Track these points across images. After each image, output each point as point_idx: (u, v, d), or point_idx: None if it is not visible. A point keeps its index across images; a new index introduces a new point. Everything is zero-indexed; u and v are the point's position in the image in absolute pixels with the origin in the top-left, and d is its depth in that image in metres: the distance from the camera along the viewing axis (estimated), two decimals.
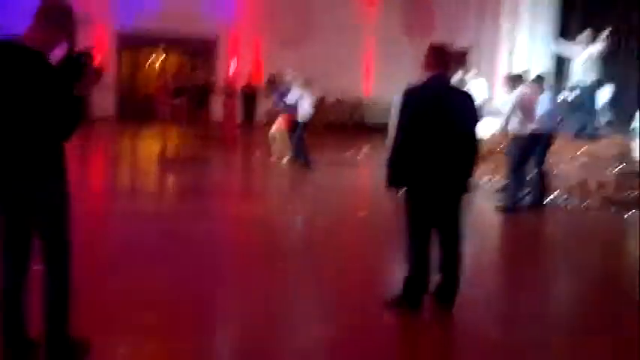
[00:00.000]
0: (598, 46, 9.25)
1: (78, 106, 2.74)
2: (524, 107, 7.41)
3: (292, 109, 10.20)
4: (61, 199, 2.81)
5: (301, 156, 10.04)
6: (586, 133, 9.44)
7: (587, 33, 9.62)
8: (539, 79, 8.16)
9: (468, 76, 10.00)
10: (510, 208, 7.45)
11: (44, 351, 2.88)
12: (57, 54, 2.73)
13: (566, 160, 9.23)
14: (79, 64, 2.74)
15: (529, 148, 7.50)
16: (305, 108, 10.11)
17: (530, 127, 7.43)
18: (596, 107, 9.67)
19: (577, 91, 9.61)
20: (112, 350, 3.18)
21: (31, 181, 2.71)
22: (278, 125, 10.40)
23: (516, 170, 7.52)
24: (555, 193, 8.51)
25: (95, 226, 5.35)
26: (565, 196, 8.48)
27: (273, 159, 10.36)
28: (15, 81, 2.59)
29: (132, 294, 3.99)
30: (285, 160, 10.21)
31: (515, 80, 7.78)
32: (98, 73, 2.86)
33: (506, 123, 7.59)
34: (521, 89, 7.57)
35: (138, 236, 5.49)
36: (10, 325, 2.85)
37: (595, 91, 9.36)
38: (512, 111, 7.45)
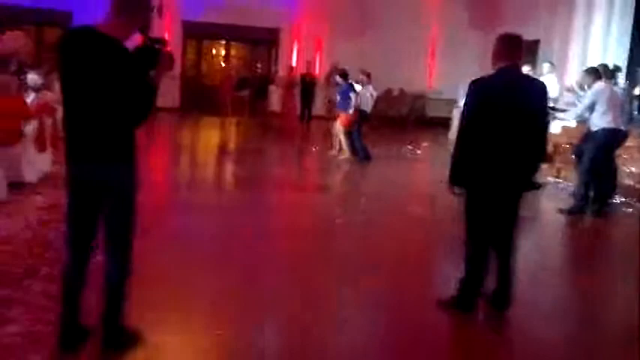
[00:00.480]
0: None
1: (152, 93, 2.80)
2: (608, 102, 6.95)
3: (351, 107, 10.16)
4: (131, 184, 2.88)
5: (360, 150, 10.00)
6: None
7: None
8: (616, 71, 7.75)
9: (540, 72, 9.64)
10: (575, 211, 7.09)
11: (100, 338, 2.95)
12: (132, 41, 2.80)
13: (637, 159, 8.76)
14: (154, 52, 2.80)
15: (607, 147, 7.10)
16: (366, 102, 10.08)
17: (609, 124, 6.98)
18: None
19: None
20: (163, 339, 3.24)
21: (105, 165, 2.79)
22: (339, 122, 10.37)
23: (589, 171, 7.10)
24: (624, 195, 8.12)
25: (153, 216, 5.47)
26: (635, 198, 8.07)
27: (332, 152, 10.34)
28: (94, 67, 2.66)
29: (186, 286, 4.07)
30: (344, 155, 10.18)
31: (594, 73, 7.37)
32: (172, 60, 2.92)
33: (581, 117, 7.19)
34: (600, 83, 7.14)
35: (196, 227, 5.58)
36: (67, 310, 2.94)
37: None
38: (590, 106, 7.04)
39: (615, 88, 7.39)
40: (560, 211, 7.19)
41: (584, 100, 7.28)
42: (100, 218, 2.87)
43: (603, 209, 7.32)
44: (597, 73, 7.33)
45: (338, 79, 10.64)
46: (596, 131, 7.06)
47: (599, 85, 7.12)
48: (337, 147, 10.28)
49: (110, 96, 2.69)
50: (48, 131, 7.66)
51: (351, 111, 9.99)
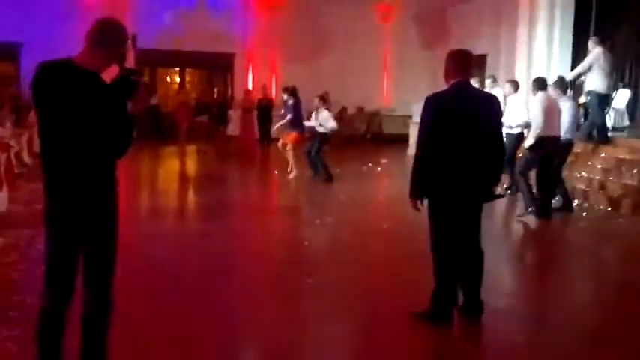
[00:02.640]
0: (599, 52, 9.17)
1: (132, 124, 2.78)
2: (547, 112, 7.29)
3: (300, 126, 10.30)
4: (114, 215, 2.83)
5: (320, 169, 10.06)
6: (594, 137, 9.34)
7: (592, 40, 9.56)
8: (562, 82, 8.06)
9: (485, 85, 9.93)
10: (531, 212, 7.32)
11: None
12: (107, 73, 2.77)
13: (586, 165, 9.11)
14: (131, 83, 2.78)
15: (546, 154, 7.37)
16: (328, 124, 10.13)
17: (551, 132, 7.30)
18: (603, 112, 9.56)
19: (588, 97, 9.54)
20: None
21: (88, 199, 2.73)
22: (286, 140, 10.46)
23: (525, 175, 7.42)
24: (578, 198, 8.42)
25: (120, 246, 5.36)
26: (585, 201, 8.38)
27: (291, 175, 10.37)
28: (73, 100, 2.63)
29: (160, 315, 4.01)
30: (292, 175, 10.24)
31: (539, 84, 7.63)
32: (149, 90, 2.90)
33: (536, 129, 7.38)
34: (543, 93, 7.46)
35: (163, 256, 5.51)
36: (46, 353, 2.81)
37: (603, 96, 9.29)
38: (538, 116, 7.30)
39: (554, 98, 7.67)
40: (519, 217, 7.42)
41: (534, 111, 7.53)
42: (81, 253, 2.80)
43: (562, 212, 7.61)
44: (543, 82, 7.64)
45: (284, 96, 10.66)
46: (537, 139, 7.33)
47: (543, 94, 7.42)
48: (290, 166, 10.36)
49: (90, 129, 2.66)
50: (2, 168, 7.45)
51: (301, 129, 10.17)
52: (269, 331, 3.89)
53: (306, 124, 10.42)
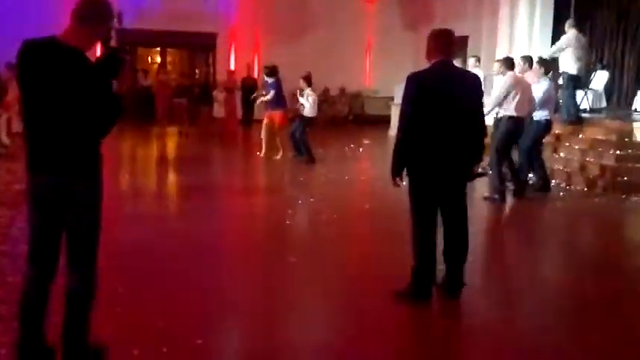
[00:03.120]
0: (572, 34, 9.30)
1: (117, 102, 2.76)
2: (514, 92, 7.28)
3: (283, 104, 10.34)
4: (97, 196, 2.81)
5: (304, 151, 10.07)
6: (568, 118, 9.47)
7: (568, 22, 9.66)
8: (543, 62, 8.09)
9: (468, 65, 9.98)
10: (495, 199, 7.30)
11: (62, 356, 2.84)
12: (92, 51, 2.76)
13: (565, 146, 9.24)
14: (116, 61, 2.75)
15: (513, 134, 7.39)
16: (310, 105, 10.10)
17: (518, 112, 7.30)
18: (574, 93, 9.68)
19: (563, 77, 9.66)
20: (126, 354, 3.18)
21: (70, 177, 2.72)
22: (273, 121, 10.46)
23: (502, 158, 7.42)
24: (555, 178, 8.55)
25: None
26: (564, 182, 8.52)
27: (260, 154, 10.43)
28: (58, 79, 2.61)
29: (143, 297, 4.02)
30: (278, 155, 10.30)
31: (506, 63, 7.66)
32: (133, 68, 2.89)
33: (497, 108, 7.47)
34: (511, 73, 7.49)
35: (146, 238, 5.50)
36: (28, 330, 2.82)
37: (574, 78, 9.40)
38: (504, 95, 7.32)
39: (525, 78, 7.69)
40: (485, 198, 7.42)
41: (497, 90, 7.58)
42: (64, 231, 2.79)
43: (541, 191, 7.69)
44: (511, 62, 7.67)
45: (265, 77, 10.60)
46: (501, 119, 7.42)
47: (509, 75, 7.46)
48: (265, 149, 10.41)
49: (74, 107, 2.64)
50: None
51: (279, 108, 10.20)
52: (252, 309, 3.92)
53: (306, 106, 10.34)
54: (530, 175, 8.08)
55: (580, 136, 9.27)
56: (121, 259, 4.64)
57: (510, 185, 7.68)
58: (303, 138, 10.09)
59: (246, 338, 3.60)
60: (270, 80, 10.41)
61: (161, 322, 3.59)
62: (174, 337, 3.40)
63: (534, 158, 7.92)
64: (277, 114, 10.36)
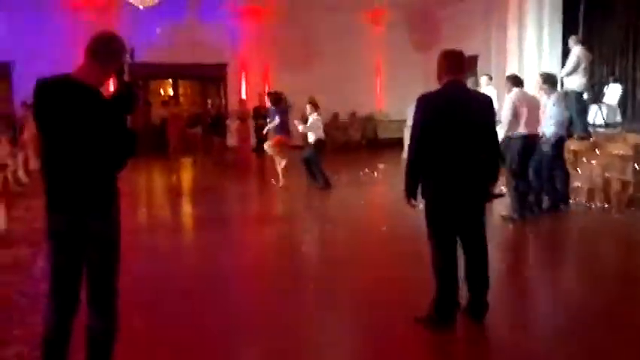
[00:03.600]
0: (579, 51, 9.30)
1: (132, 137, 2.80)
2: (520, 109, 7.20)
3: (283, 131, 10.41)
4: (115, 233, 2.83)
5: (319, 177, 10.00)
6: (576, 134, 9.41)
7: (571, 39, 9.65)
8: (549, 78, 8.05)
9: (481, 83, 10.00)
10: (514, 218, 7.21)
11: None
12: (105, 86, 2.81)
13: (582, 162, 9.14)
14: (130, 96, 2.79)
15: (525, 152, 7.27)
16: (318, 130, 10.09)
17: (527, 130, 7.20)
18: (581, 109, 9.62)
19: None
20: None
21: (90, 215, 2.73)
22: (270, 143, 10.56)
23: (517, 177, 7.30)
24: (575, 195, 8.45)
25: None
26: (582, 198, 8.42)
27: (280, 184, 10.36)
28: (73, 116, 2.64)
29: (162, 334, 4.01)
30: (281, 183, 10.25)
31: (512, 81, 7.55)
32: (147, 103, 2.93)
33: (503, 126, 7.35)
34: (517, 91, 7.39)
35: (160, 270, 5.51)
36: None
37: (578, 95, 9.36)
38: (512, 113, 7.22)
39: (531, 95, 7.65)
40: (503, 218, 7.32)
41: (505, 108, 7.44)
42: (84, 269, 2.79)
43: (559, 209, 7.60)
44: (516, 79, 7.58)
45: (269, 104, 10.70)
46: (512, 138, 7.26)
47: (514, 92, 7.36)
48: (279, 175, 10.36)
49: (91, 144, 2.67)
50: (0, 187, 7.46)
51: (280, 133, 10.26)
52: (268, 339, 3.88)
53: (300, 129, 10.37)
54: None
55: (597, 151, 9.17)
56: (141, 295, 4.63)
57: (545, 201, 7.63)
58: (316, 164, 10.04)
59: None
60: (273, 108, 10.54)
61: (179, 354, 3.56)
62: None
63: (547, 177, 7.82)
64: (275, 138, 10.53)
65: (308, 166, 10.14)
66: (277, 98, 10.49)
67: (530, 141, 7.30)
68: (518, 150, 7.23)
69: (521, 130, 7.20)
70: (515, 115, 7.22)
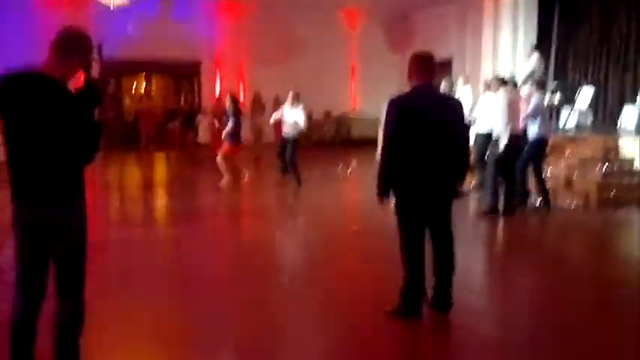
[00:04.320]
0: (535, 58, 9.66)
1: (98, 130, 2.82)
2: (512, 110, 7.45)
3: (236, 138, 9.94)
4: (82, 224, 2.86)
5: (292, 171, 9.93)
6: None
7: (531, 44, 10.01)
8: (534, 79, 8.24)
9: (458, 83, 10.21)
10: (488, 212, 7.49)
11: None
12: (74, 81, 2.81)
13: (553, 162, 9.36)
14: (97, 91, 2.81)
15: (509, 152, 7.50)
16: (299, 124, 9.93)
17: (512, 130, 7.44)
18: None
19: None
20: None
21: (55, 206, 2.75)
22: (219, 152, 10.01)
23: (498, 174, 7.56)
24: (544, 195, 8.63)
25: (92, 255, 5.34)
26: (552, 198, 8.62)
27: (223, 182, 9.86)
28: (38, 109, 2.66)
29: (132, 323, 4.02)
30: (224, 182, 9.81)
31: (499, 81, 7.80)
32: (114, 98, 2.95)
33: (505, 126, 7.49)
34: (504, 92, 7.63)
35: (130, 262, 5.50)
36: (19, 352, 2.82)
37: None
38: (502, 114, 7.45)
39: (513, 96, 7.89)
40: (478, 214, 7.59)
41: (500, 109, 7.61)
42: (51, 259, 2.82)
43: (515, 210, 7.77)
44: (504, 81, 7.85)
45: (227, 105, 10.18)
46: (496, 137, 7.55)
47: (503, 91, 7.62)
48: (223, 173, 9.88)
49: (57, 137, 2.69)
50: None
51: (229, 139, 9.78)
52: (243, 332, 3.93)
53: (275, 117, 10.26)
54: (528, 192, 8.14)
55: (567, 152, 9.40)
56: (109, 285, 4.62)
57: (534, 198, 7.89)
58: (293, 159, 9.88)
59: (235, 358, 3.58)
60: (232, 109, 10.03)
61: (149, 348, 3.57)
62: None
63: (525, 176, 8.02)
64: (225, 145, 9.93)
65: (282, 160, 10.01)
66: (236, 101, 10.25)
67: (516, 140, 7.54)
68: (504, 148, 7.42)
69: (510, 128, 7.40)
70: (506, 114, 7.41)
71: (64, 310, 2.83)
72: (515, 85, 8.17)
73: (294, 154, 9.92)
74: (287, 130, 10.00)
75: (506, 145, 7.45)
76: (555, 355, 3.64)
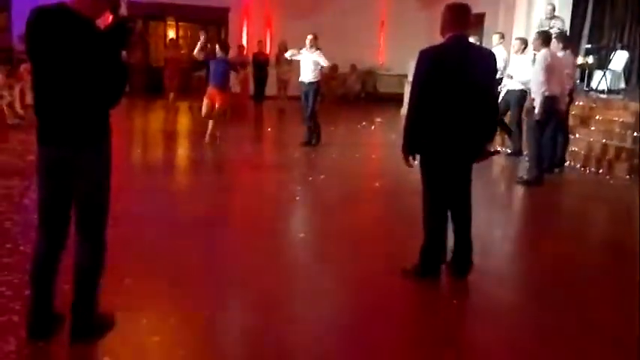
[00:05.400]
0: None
1: (125, 73, 2.79)
2: (552, 69, 7.07)
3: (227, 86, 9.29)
4: (105, 167, 2.85)
5: (312, 126, 9.49)
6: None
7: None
8: (564, 37, 7.87)
9: (493, 41, 9.89)
10: (534, 181, 7.23)
11: (71, 324, 2.89)
12: (102, 20, 2.77)
13: (582, 127, 9.14)
14: (124, 30, 2.75)
15: (548, 114, 7.19)
16: (319, 65, 9.36)
17: (554, 91, 7.09)
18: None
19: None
20: (135, 324, 3.24)
21: (78, 147, 2.74)
22: (216, 102, 9.12)
23: (540, 137, 7.25)
24: (572, 160, 8.48)
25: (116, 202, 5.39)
26: (580, 164, 8.46)
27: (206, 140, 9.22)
28: (66, 46, 2.62)
29: (151, 268, 4.07)
30: (208, 139, 9.17)
31: (544, 39, 7.27)
32: (143, 38, 2.90)
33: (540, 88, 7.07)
34: (547, 50, 7.19)
35: (152, 209, 5.54)
36: (39, 298, 2.88)
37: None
38: (543, 73, 7.00)
39: (559, 55, 7.55)
40: (519, 180, 7.39)
41: (538, 68, 7.20)
42: (73, 201, 2.83)
43: (550, 174, 7.62)
44: (546, 38, 7.33)
45: (218, 51, 9.22)
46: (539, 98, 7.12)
47: (544, 51, 7.22)
48: (208, 130, 9.17)
49: (83, 76, 2.66)
50: None
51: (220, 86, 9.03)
52: (259, 284, 3.94)
53: (289, 56, 9.79)
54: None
55: (598, 117, 9.16)
56: (131, 230, 4.69)
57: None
58: (313, 110, 9.31)
59: (253, 312, 3.62)
60: (220, 55, 9.20)
61: (169, 293, 3.64)
62: (182, 308, 3.44)
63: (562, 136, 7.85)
64: (223, 96, 9.16)
65: (307, 114, 9.47)
66: (226, 45, 9.43)
67: (556, 102, 7.22)
68: (542, 110, 7.09)
69: (549, 90, 7.06)
70: (547, 75, 7.03)
71: (83, 252, 2.86)
72: (567, 39, 7.73)
73: (314, 105, 9.33)
74: (305, 76, 9.41)
75: (545, 109, 7.10)
76: (573, 322, 3.59)
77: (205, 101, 9.11)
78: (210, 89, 9.15)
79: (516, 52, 9.19)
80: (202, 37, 9.07)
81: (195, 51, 9.00)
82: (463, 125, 3.84)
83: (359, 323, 3.47)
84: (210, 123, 9.06)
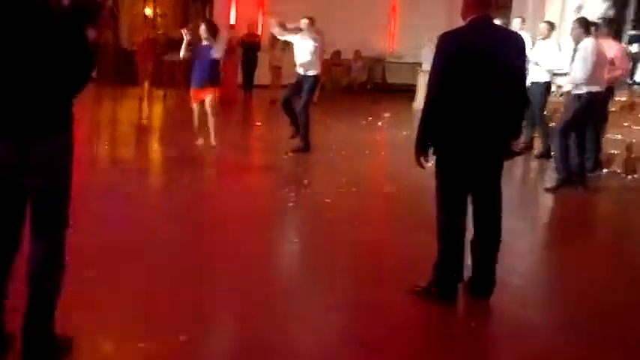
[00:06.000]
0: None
1: (91, 54, 2.78)
2: (599, 63, 6.98)
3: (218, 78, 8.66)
4: (67, 161, 2.84)
5: (301, 128, 8.84)
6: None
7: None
8: (609, 23, 7.79)
9: (513, 26, 9.88)
10: (559, 186, 7.20)
11: (22, 347, 2.84)
12: None
13: (618, 122, 9.10)
14: (91, 6, 2.75)
15: (588, 112, 7.19)
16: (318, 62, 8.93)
17: (598, 87, 7.05)
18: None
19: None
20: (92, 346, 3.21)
21: (37, 140, 2.73)
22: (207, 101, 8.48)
23: (566, 136, 7.19)
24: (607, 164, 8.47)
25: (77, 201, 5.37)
26: (618, 166, 8.44)
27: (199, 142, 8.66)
28: (20, 30, 2.62)
29: (120, 275, 4.05)
30: (200, 142, 8.64)
31: (586, 26, 7.14)
32: (112, 13, 2.89)
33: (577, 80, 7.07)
34: (592, 40, 7.06)
35: (120, 213, 5.52)
36: None
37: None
38: (587, 68, 6.92)
39: (605, 45, 7.46)
40: (547, 189, 7.35)
41: (579, 59, 7.08)
42: (28, 202, 2.82)
43: (587, 181, 7.58)
44: (585, 24, 7.20)
45: (203, 33, 8.42)
46: (578, 94, 7.08)
47: (588, 41, 7.04)
48: (212, 133, 8.53)
49: (42, 59, 2.65)
50: None
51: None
52: (249, 283, 4.01)
53: (285, 37, 9.36)
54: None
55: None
56: (94, 236, 4.64)
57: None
58: (305, 108, 8.72)
59: (242, 318, 3.63)
60: (207, 41, 8.41)
61: (136, 314, 3.60)
62: (155, 332, 3.40)
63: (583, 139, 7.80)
64: (215, 89, 8.52)
65: (293, 110, 8.89)
66: (212, 26, 8.65)
67: (599, 97, 7.20)
68: (582, 107, 7.06)
69: (593, 87, 7.03)
70: (592, 70, 6.95)
71: (38, 255, 2.83)
72: (613, 26, 7.66)
73: (307, 103, 8.76)
74: (300, 67, 8.87)
75: (587, 105, 7.06)
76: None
77: (194, 106, 8.66)
78: (195, 92, 8.58)
79: (543, 38, 9.16)
80: (186, 36, 8.76)
81: (181, 53, 8.73)
82: (490, 119, 3.81)
83: (364, 351, 3.43)
84: (210, 123, 8.81)
